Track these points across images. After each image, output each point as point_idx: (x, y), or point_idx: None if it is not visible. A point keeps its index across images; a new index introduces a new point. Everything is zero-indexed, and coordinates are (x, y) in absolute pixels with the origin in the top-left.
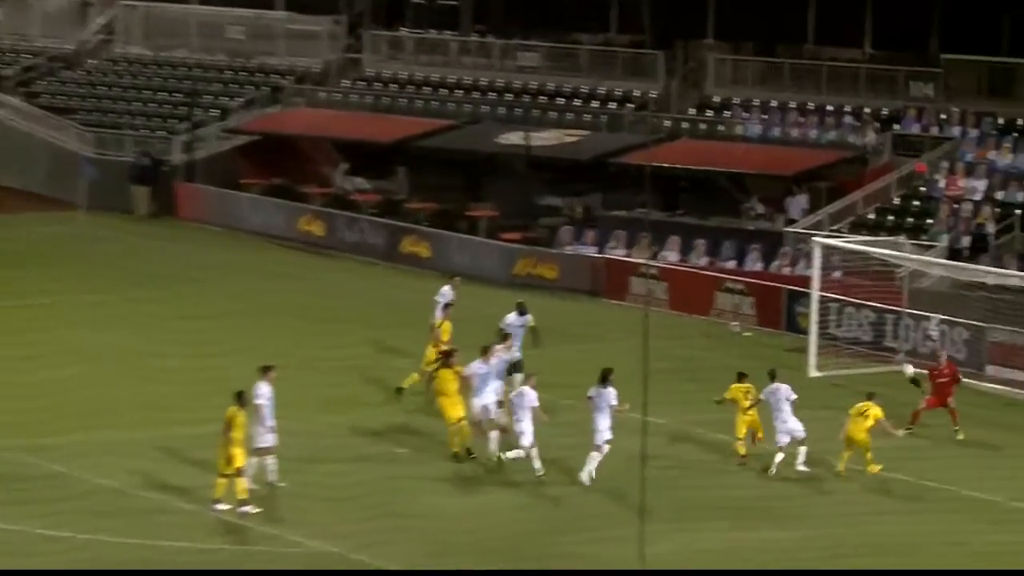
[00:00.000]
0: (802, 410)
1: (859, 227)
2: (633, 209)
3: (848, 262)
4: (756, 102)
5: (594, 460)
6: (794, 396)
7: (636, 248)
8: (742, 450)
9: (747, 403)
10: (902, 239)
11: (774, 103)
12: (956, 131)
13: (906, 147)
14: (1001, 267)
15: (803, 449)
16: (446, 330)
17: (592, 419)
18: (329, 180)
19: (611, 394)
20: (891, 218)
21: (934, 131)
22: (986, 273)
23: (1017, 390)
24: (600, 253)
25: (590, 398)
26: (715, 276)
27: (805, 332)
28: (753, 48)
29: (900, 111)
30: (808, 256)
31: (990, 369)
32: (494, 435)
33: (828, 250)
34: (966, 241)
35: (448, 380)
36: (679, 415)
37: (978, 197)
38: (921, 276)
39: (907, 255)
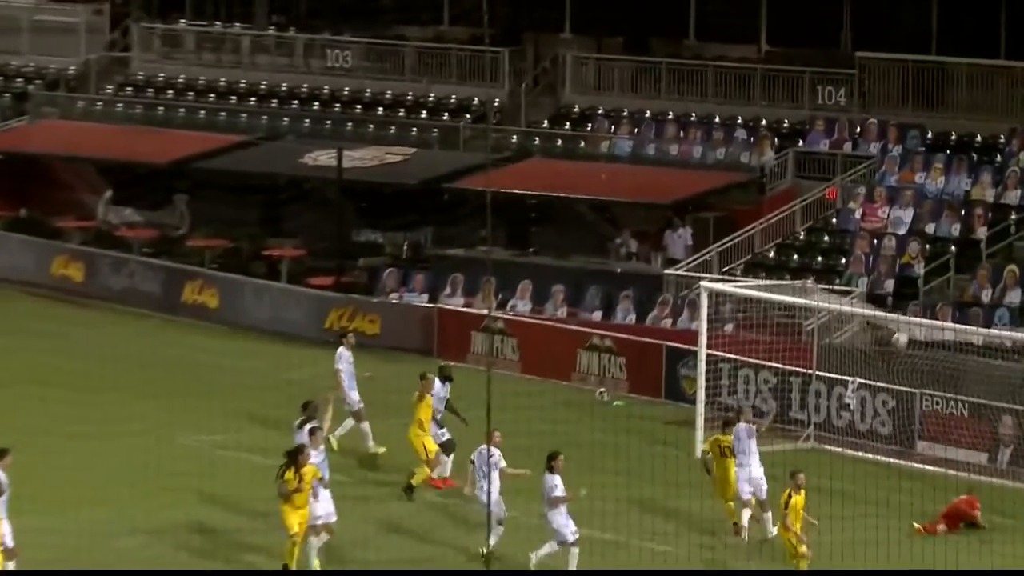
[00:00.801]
0: (691, 500)
1: (756, 268)
2: (473, 247)
3: (743, 312)
4: (625, 112)
5: (574, 558)
6: (755, 432)
7: (478, 296)
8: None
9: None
10: (810, 283)
11: (648, 114)
12: (875, 148)
13: (813, 168)
14: (934, 318)
15: (767, 516)
16: (426, 408)
17: (546, 516)
18: (90, 211)
19: (551, 483)
20: (796, 257)
21: (847, 148)
22: (916, 326)
23: (953, 471)
24: (433, 302)
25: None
26: (577, 331)
27: (690, 400)
28: (621, 45)
29: (805, 123)
30: (693, 305)
31: (921, 446)
32: (323, 539)
33: (718, 297)
34: (889, 285)
35: (292, 481)
36: (529, 504)
37: (903, 230)
38: (834, 330)
39: (816, 303)
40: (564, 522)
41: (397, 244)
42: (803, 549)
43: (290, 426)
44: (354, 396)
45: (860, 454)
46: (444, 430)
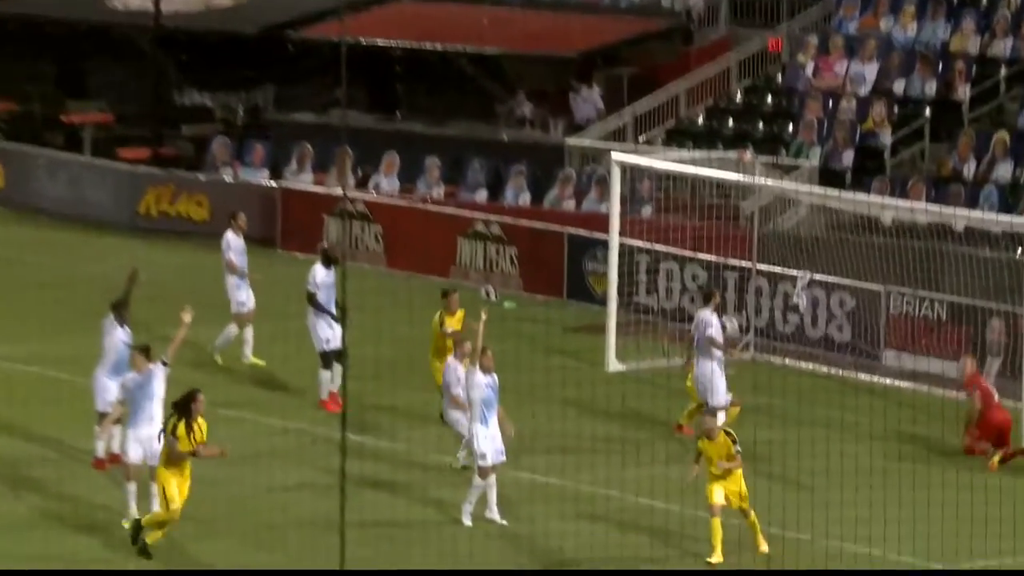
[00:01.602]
0: (599, 422)
1: (681, 137)
2: (325, 110)
3: (665, 192)
4: None
5: (475, 491)
6: (714, 322)
7: (331, 171)
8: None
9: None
10: (749, 155)
11: None
12: None
13: (752, 12)
14: (904, 197)
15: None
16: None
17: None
18: None
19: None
20: (731, 123)
21: None
22: (881, 207)
23: (923, 385)
24: (275, 179)
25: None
26: (456, 215)
27: (600, 301)
28: None
29: None
30: (602, 183)
31: (888, 355)
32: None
33: (633, 173)
34: (848, 157)
35: (185, 440)
36: (402, 430)
37: (865, 90)
38: (779, 213)
39: (757, 180)
40: (486, 440)
41: (230, 107)
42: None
43: (96, 331)
44: (242, 296)
45: (812, 366)
46: (335, 331)
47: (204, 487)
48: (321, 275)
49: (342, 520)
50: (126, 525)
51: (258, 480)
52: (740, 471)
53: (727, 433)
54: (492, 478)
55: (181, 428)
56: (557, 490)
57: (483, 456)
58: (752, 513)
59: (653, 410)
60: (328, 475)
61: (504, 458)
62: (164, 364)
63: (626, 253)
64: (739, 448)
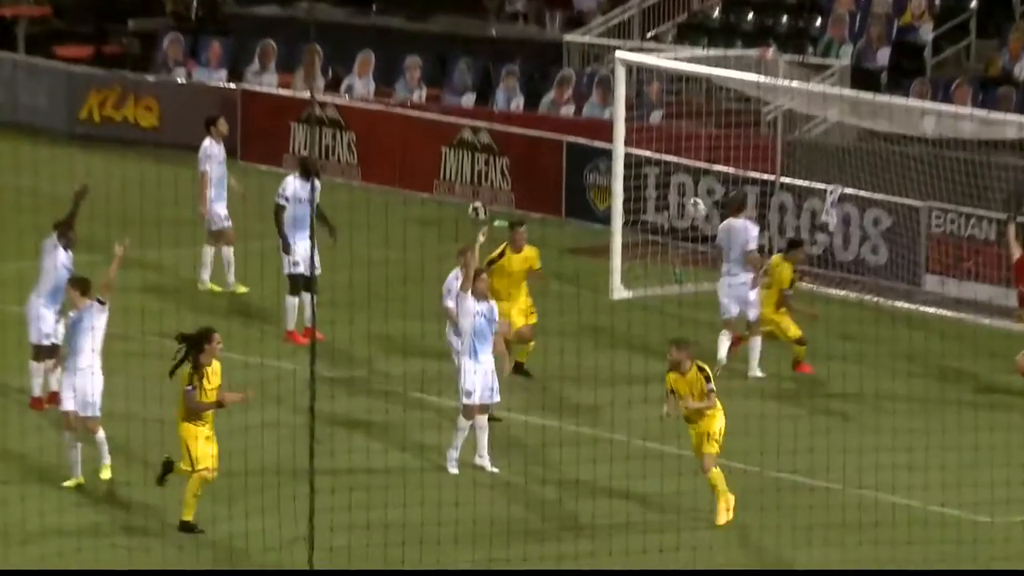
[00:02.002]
0: (600, 354)
1: (694, 33)
2: (291, 2)
3: (677, 95)
4: None
5: (460, 434)
6: (755, 233)
7: (298, 72)
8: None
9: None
10: (771, 54)
11: None
12: None
13: None
14: (947, 100)
15: (755, 346)
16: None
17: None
18: None
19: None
20: (751, 17)
21: None
22: (922, 113)
23: (968, 314)
24: (234, 81)
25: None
26: (441, 121)
27: (603, 219)
28: None
29: None
30: (605, 85)
31: (930, 281)
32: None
33: (641, 74)
34: (884, 56)
35: (204, 392)
36: (379, 364)
37: None
38: (807, 121)
39: (781, 82)
40: (471, 374)
41: None
42: (715, 478)
43: (31, 253)
44: (220, 210)
45: (843, 293)
46: (300, 257)
47: (153, 430)
48: (294, 187)
49: (311, 466)
50: (68, 485)
51: (216, 422)
52: (717, 412)
53: (700, 369)
54: (482, 419)
55: (195, 378)
56: (555, 433)
57: (469, 394)
58: (713, 472)
59: (663, 342)
60: (295, 415)
61: (497, 398)
62: (100, 303)
63: (632, 165)
64: (712, 387)
